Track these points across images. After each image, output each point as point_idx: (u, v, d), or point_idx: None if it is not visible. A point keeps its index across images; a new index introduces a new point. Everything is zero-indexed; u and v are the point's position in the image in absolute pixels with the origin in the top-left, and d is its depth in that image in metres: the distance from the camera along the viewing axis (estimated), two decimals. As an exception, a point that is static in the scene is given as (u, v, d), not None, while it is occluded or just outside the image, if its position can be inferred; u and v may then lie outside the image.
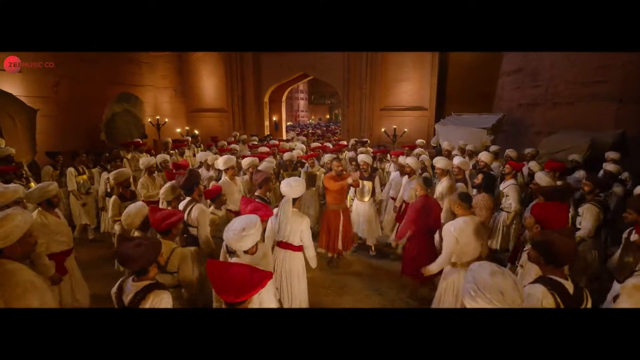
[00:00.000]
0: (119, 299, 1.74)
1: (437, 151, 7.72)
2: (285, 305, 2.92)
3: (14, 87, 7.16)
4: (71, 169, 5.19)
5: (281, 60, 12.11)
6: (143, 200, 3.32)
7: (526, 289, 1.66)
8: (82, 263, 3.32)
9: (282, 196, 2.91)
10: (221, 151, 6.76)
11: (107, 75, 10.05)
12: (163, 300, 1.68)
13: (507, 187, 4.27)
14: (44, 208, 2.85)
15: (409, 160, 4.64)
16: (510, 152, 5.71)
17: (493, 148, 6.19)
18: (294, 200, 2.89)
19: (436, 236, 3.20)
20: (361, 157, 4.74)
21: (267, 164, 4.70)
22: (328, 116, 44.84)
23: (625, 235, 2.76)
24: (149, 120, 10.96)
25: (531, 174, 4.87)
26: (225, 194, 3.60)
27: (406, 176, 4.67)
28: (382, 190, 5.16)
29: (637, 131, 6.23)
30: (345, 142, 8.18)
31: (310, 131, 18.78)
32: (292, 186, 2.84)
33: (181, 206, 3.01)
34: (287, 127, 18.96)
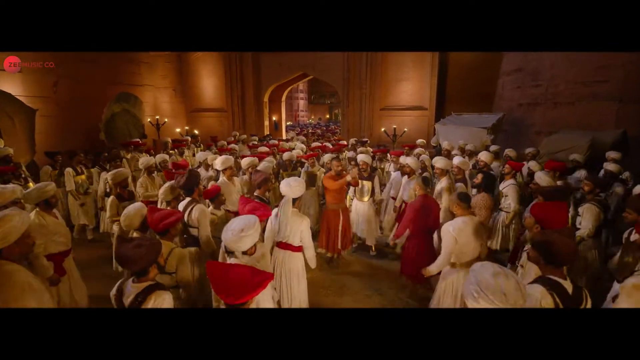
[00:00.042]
0: (119, 301, 1.72)
1: (437, 151, 7.72)
2: (285, 306, 2.91)
3: (13, 87, 7.16)
4: (69, 169, 5.17)
5: (281, 60, 12.10)
6: (142, 201, 3.31)
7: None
8: (80, 263, 3.32)
9: (281, 196, 2.90)
10: (221, 151, 6.75)
11: (106, 75, 10.05)
12: (165, 301, 1.67)
13: (507, 187, 4.26)
14: (42, 208, 2.84)
15: (408, 160, 4.64)
16: (509, 152, 5.69)
17: (493, 148, 6.18)
18: (294, 200, 2.88)
19: (435, 236, 3.20)
20: (360, 157, 4.74)
21: (266, 164, 4.69)
22: (328, 116, 44.86)
23: (625, 235, 2.76)
24: (149, 120, 10.95)
25: (531, 174, 4.86)
26: (223, 194, 3.59)
27: (405, 176, 4.67)
28: (381, 190, 5.15)
29: (637, 131, 6.22)
30: (345, 142, 8.17)
31: (310, 131, 18.80)
32: (291, 186, 2.84)
33: (181, 206, 3.00)
34: (286, 126, 18.96)
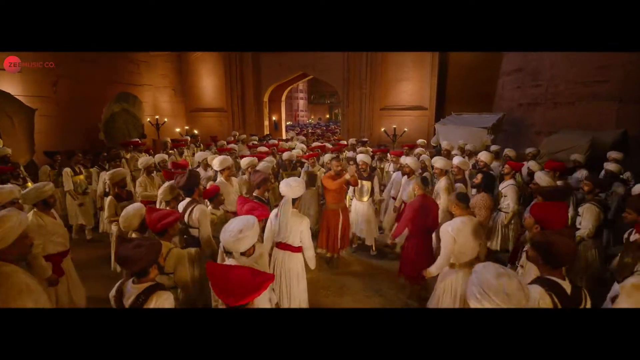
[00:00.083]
0: (119, 302, 1.70)
1: (437, 151, 7.71)
2: (285, 307, 2.90)
3: (12, 87, 7.14)
4: (67, 169, 5.16)
5: (281, 60, 12.09)
6: (141, 201, 3.30)
7: None
8: (79, 264, 3.30)
9: (281, 196, 2.89)
10: (220, 151, 6.74)
11: (106, 74, 10.04)
12: (166, 301, 1.66)
13: (506, 188, 4.25)
14: (40, 209, 2.83)
15: (408, 160, 4.63)
16: (508, 152, 5.68)
17: (493, 148, 6.18)
18: (294, 200, 2.87)
19: (434, 237, 3.19)
20: (360, 157, 4.73)
21: (265, 164, 4.68)
22: (328, 116, 44.86)
23: (625, 235, 2.75)
24: (148, 120, 10.94)
25: (530, 174, 4.86)
26: (222, 194, 3.58)
27: (405, 176, 4.66)
28: (380, 190, 5.14)
29: (637, 131, 6.21)
30: (345, 142, 8.17)
31: (309, 131, 18.80)
32: (291, 186, 2.82)
33: (181, 207, 2.98)
34: (286, 126, 18.96)
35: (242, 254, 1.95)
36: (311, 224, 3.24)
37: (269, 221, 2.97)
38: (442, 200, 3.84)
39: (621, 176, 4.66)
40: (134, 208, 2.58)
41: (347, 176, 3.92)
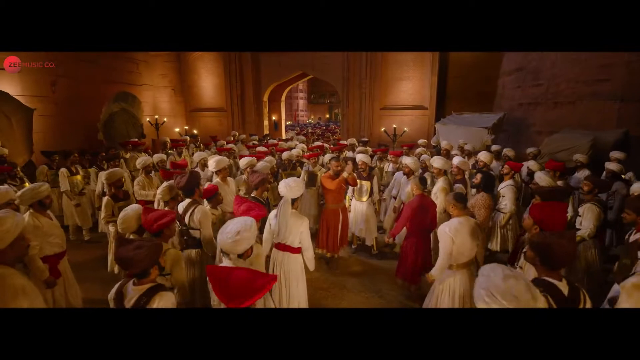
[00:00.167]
0: (119, 305, 1.68)
1: (438, 151, 7.69)
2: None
3: (11, 86, 7.12)
4: (63, 170, 5.12)
5: (280, 60, 12.06)
6: (138, 201, 3.28)
7: None
8: (75, 265, 3.28)
9: (281, 196, 2.87)
10: (220, 151, 6.73)
11: (105, 74, 10.02)
12: (169, 301, 1.65)
13: (504, 188, 4.24)
14: (36, 209, 2.80)
15: (407, 160, 4.61)
16: (508, 152, 5.65)
17: (494, 147, 6.16)
18: (293, 200, 2.85)
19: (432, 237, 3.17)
20: (359, 157, 4.71)
21: (264, 164, 4.67)
22: (327, 115, 44.83)
23: (626, 237, 2.74)
24: (148, 119, 10.92)
25: (530, 174, 4.84)
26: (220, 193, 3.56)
27: (405, 176, 4.65)
28: (381, 190, 5.12)
29: (639, 130, 6.18)
30: (345, 142, 8.15)
31: (309, 130, 18.78)
32: (290, 187, 2.80)
33: (181, 208, 2.95)
34: (286, 126, 18.94)
35: (240, 256, 1.93)
36: (311, 223, 3.22)
37: (267, 222, 2.95)
38: (440, 201, 3.82)
39: (623, 176, 4.63)
40: (133, 209, 2.55)
41: (344, 174, 3.90)
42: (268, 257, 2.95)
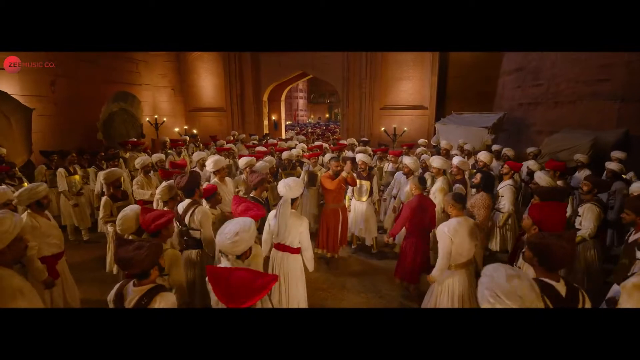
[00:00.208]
0: (119, 306, 1.67)
1: (438, 150, 7.69)
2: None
3: (10, 86, 7.11)
4: (61, 170, 5.10)
5: (280, 59, 12.05)
6: (137, 201, 3.27)
7: None
8: (74, 265, 3.26)
9: (280, 196, 2.85)
10: (219, 150, 6.72)
11: (104, 74, 10.01)
12: (170, 302, 1.64)
13: (503, 188, 4.23)
14: (34, 210, 2.78)
15: (407, 160, 4.61)
16: (507, 151, 5.65)
17: (494, 147, 6.15)
18: (292, 200, 2.84)
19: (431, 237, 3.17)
20: (359, 157, 4.71)
21: (263, 164, 4.66)
22: (327, 115, 44.80)
23: (626, 237, 2.73)
24: (147, 119, 10.91)
25: (530, 173, 4.83)
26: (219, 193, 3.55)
27: (404, 176, 4.64)
28: (380, 190, 5.11)
29: (639, 130, 6.18)
30: (345, 142, 8.14)
31: (309, 130, 18.78)
32: (289, 187, 2.79)
33: (181, 208, 2.94)
34: (286, 126, 18.93)
35: (239, 257, 1.92)
36: (312, 223, 3.21)
37: (267, 222, 2.95)
38: (438, 201, 3.81)
39: (624, 176, 4.63)
40: (132, 210, 2.53)
41: (343, 174, 3.90)
42: (267, 257, 2.95)
